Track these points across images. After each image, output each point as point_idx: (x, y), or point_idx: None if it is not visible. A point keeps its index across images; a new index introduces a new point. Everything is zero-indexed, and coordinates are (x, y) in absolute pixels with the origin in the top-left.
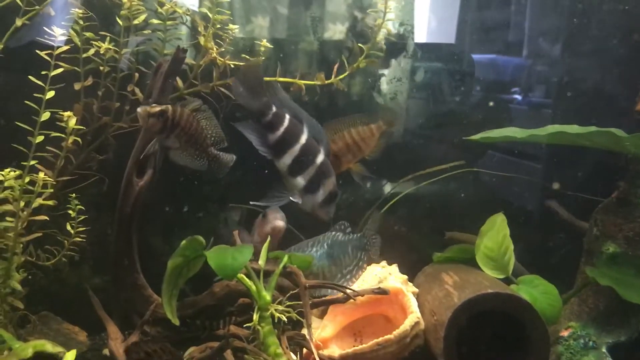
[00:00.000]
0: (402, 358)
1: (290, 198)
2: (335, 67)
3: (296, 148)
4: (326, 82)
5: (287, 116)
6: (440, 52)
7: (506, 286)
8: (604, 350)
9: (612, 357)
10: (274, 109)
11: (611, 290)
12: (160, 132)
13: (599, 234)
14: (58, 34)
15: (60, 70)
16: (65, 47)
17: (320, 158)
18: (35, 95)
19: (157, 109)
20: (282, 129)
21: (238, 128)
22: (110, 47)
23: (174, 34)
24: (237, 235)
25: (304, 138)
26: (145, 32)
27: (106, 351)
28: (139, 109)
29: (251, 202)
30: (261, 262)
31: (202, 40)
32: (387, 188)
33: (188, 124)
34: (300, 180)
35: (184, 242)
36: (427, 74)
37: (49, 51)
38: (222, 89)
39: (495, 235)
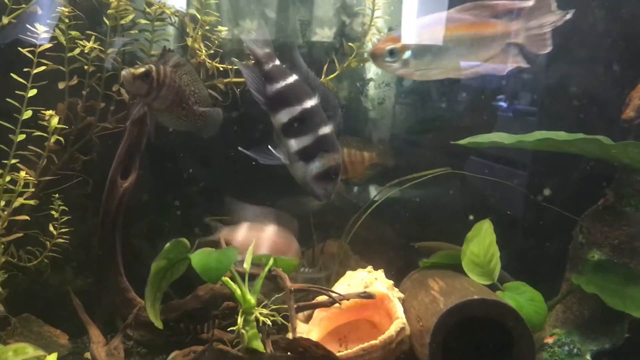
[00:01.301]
0: None
1: (278, 156)
2: (325, 67)
3: (296, 109)
4: None
5: (295, 77)
6: None
7: (492, 292)
8: (588, 357)
9: None
10: (277, 62)
11: (596, 298)
12: (147, 94)
13: (584, 241)
14: (41, 32)
15: (42, 68)
16: (48, 45)
17: (324, 130)
18: (17, 93)
19: (142, 69)
20: (282, 84)
21: (238, 67)
22: (95, 46)
23: (161, 34)
24: (222, 239)
25: (309, 104)
26: (132, 32)
27: (88, 355)
28: (123, 72)
29: (239, 148)
30: (246, 265)
31: (190, 41)
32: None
33: (173, 82)
34: (293, 143)
35: (168, 244)
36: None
37: (32, 49)
38: (211, 91)
39: (482, 241)
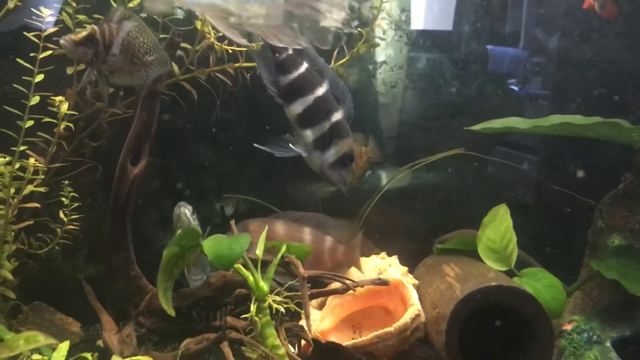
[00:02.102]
0: (401, 351)
1: (296, 150)
2: (335, 52)
3: (309, 98)
4: None
5: (306, 65)
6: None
7: (509, 279)
8: (608, 344)
9: (617, 351)
10: (290, 51)
11: (616, 284)
12: (94, 59)
13: (604, 226)
14: (46, 15)
15: (48, 52)
16: (54, 29)
17: (336, 116)
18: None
19: (83, 33)
20: (295, 74)
21: (253, 55)
22: None
23: (170, 17)
24: (233, 225)
25: (320, 91)
26: (140, 15)
27: (100, 342)
28: (61, 41)
29: (255, 144)
30: (258, 251)
31: (198, 25)
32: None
33: (121, 40)
34: (309, 134)
35: (179, 231)
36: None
37: (37, 33)
38: (219, 75)
39: (498, 226)
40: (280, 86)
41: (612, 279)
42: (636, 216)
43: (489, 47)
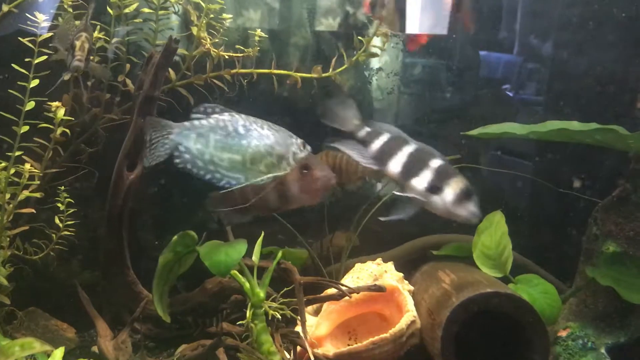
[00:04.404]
0: (397, 357)
1: (422, 200)
2: (334, 60)
3: (402, 156)
4: (323, 75)
5: (387, 134)
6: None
7: (505, 285)
8: (602, 351)
9: (611, 358)
10: (367, 128)
11: (610, 291)
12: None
13: (599, 233)
14: (41, 20)
15: (43, 58)
16: (50, 34)
17: (435, 163)
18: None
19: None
20: (379, 143)
21: (337, 146)
22: (100, 35)
23: (166, 24)
24: (230, 232)
25: (409, 148)
26: (136, 21)
27: (95, 349)
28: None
29: (381, 218)
30: (255, 258)
31: (194, 30)
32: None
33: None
34: (416, 183)
35: (175, 237)
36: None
37: (32, 38)
38: (216, 81)
39: (493, 233)
40: (372, 156)
41: (607, 286)
42: (631, 223)
43: (482, 52)
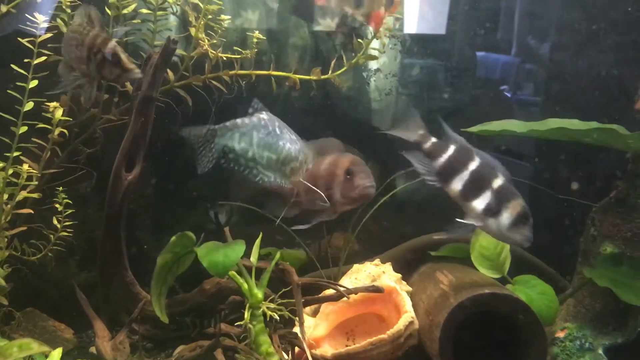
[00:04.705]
0: (395, 358)
1: (474, 224)
2: (333, 62)
3: (465, 174)
4: (322, 77)
5: (453, 146)
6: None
7: (503, 287)
8: (600, 352)
9: (609, 359)
10: (433, 139)
11: (608, 292)
12: None
13: (596, 234)
14: (41, 21)
15: (43, 58)
16: (48, 35)
17: (498, 182)
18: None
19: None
20: (445, 157)
21: (405, 156)
22: None
23: (164, 24)
24: (227, 232)
25: (474, 165)
26: (134, 21)
27: (93, 349)
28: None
29: (434, 236)
30: (253, 259)
31: (193, 31)
32: None
33: None
34: (476, 205)
35: (173, 238)
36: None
37: (32, 39)
38: (214, 82)
39: None
40: (435, 171)
41: (604, 287)
42: (628, 224)
43: (480, 53)
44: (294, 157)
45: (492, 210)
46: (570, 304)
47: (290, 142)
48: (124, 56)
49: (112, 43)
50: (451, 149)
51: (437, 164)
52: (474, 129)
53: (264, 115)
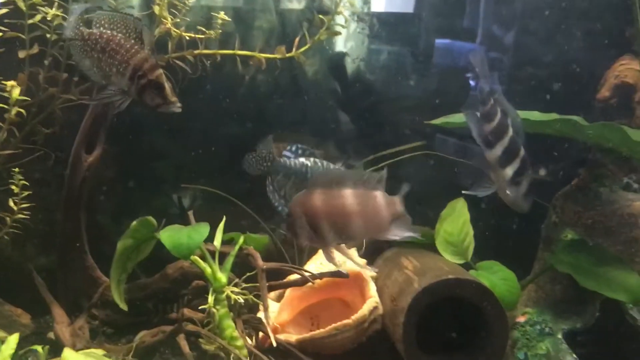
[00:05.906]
0: (359, 343)
1: (498, 189)
2: (297, 40)
3: (505, 140)
4: (287, 55)
5: (499, 108)
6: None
7: (466, 272)
8: (559, 336)
9: (568, 343)
10: (492, 101)
11: (568, 277)
12: None
13: (557, 220)
14: None
15: None
16: (4, 10)
17: (522, 151)
18: None
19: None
20: (496, 120)
21: (465, 116)
22: (58, 13)
23: (125, 1)
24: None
25: (510, 130)
26: None
27: (51, 335)
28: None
29: (463, 192)
30: (216, 243)
31: (156, 9)
32: None
33: None
34: (509, 171)
35: (134, 223)
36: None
37: None
38: (178, 62)
39: (456, 220)
40: (485, 134)
41: (564, 273)
42: (589, 212)
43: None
44: None
45: (517, 180)
46: (531, 289)
47: None
48: (167, 86)
49: (159, 71)
50: (499, 111)
51: (488, 127)
52: (437, 121)
53: (309, 162)
